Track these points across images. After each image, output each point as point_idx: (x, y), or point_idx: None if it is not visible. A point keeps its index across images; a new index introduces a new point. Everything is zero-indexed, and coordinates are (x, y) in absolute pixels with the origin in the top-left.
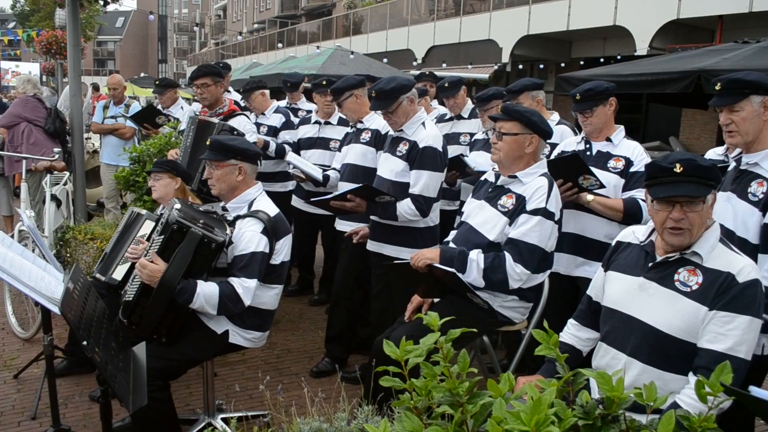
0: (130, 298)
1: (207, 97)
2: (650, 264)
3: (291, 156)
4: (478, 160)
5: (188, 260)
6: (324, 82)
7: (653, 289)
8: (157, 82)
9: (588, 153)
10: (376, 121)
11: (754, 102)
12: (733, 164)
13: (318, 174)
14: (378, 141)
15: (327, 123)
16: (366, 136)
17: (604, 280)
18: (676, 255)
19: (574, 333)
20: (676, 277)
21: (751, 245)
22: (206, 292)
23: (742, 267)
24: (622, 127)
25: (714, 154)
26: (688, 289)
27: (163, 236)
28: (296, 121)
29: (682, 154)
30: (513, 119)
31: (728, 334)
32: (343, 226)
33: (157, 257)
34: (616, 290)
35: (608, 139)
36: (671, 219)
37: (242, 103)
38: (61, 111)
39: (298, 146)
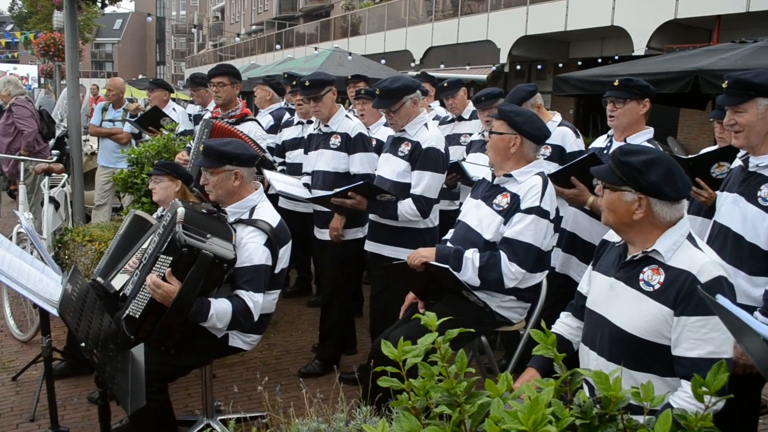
0: (137, 315)
1: (222, 96)
2: (620, 263)
3: (277, 184)
4: (476, 162)
5: (201, 282)
6: (294, 83)
7: (620, 289)
8: (151, 81)
9: (605, 151)
10: (343, 123)
11: (759, 104)
12: (739, 164)
13: (305, 193)
14: (349, 145)
15: (309, 122)
16: (336, 141)
17: (591, 279)
18: (639, 254)
19: (563, 320)
20: (641, 276)
21: (762, 251)
22: (219, 311)
23: (702, 265)
24: (649, 129)
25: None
26: (651, 289)
27: (171, 258)
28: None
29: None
30: (500, 118)
31: (705, 338)
32: (321, 234)
33: (172, 277)
34: (595, 291)
35: (625, 141)
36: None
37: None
38: (46, 110)
39: (283, 149)
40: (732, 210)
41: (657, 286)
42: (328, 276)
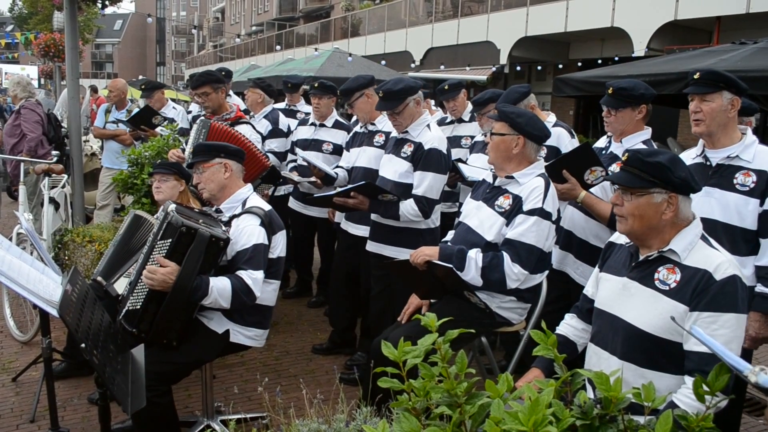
0: (137, 307)
1: (209, 105)
2: (633, 264)
3: (304, 153)
4: (478, 163)
5: (200, 261)
6: (316, 85)
7: (635, 289)
8: (143, 87)
9: (604, 152)
10: (388, 123)
11: (724, 97)
12: (699, 161)
13: (330, 171)
14: None
15: (322, 125)
16: (380, 139)
17: (598, 280)
18: (654, 254)
19: (568, 322)
20: (656, 276)
21: (752, 232)
22: (219, 286)
23: (718, 264)
24: (647, 130)
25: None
26: (667, 288)
27: (170, 240)
28: (287, 123)
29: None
30: (501, 120)
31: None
32: (355, 229)
33: (165, 260)
34: (605, 291)
35: (621, 141)
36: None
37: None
38: (54, 114)
39: (294, 146)
40: (707, 202)
41: (673, 285)
42: (367, 270)
